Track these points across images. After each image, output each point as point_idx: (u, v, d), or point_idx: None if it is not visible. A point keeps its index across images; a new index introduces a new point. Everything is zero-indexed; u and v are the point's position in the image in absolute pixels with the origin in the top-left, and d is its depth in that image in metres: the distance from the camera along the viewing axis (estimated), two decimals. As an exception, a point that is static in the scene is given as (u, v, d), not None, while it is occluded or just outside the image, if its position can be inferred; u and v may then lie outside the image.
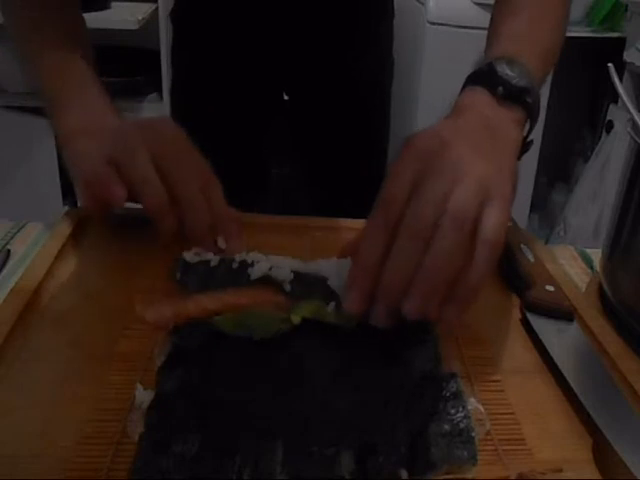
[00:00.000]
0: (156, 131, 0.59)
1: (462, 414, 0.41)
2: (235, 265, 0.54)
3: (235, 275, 0.53)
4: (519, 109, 0.50)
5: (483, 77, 0.50)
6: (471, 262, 0.42)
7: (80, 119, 0.60)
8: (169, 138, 0.58)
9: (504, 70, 0.50)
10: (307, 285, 0.52)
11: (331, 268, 0.53)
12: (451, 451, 0.38)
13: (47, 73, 0.63)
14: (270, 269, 0.53)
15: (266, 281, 0.52)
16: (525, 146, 0.52)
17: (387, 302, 0.43)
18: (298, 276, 0.52)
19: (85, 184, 0.57)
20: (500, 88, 0.49)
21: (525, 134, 0.52)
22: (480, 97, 0.49)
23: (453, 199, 0.42)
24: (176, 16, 0.91)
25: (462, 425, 0.40)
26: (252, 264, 0.53)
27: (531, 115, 0.51)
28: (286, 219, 0.67)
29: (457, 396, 0.42)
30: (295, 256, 0.55)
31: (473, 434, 0.40)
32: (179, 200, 0.55)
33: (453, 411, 0.41)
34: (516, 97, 0.50)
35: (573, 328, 0.52)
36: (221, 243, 0.57)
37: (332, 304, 0.48)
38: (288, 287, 0.51)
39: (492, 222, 0.42)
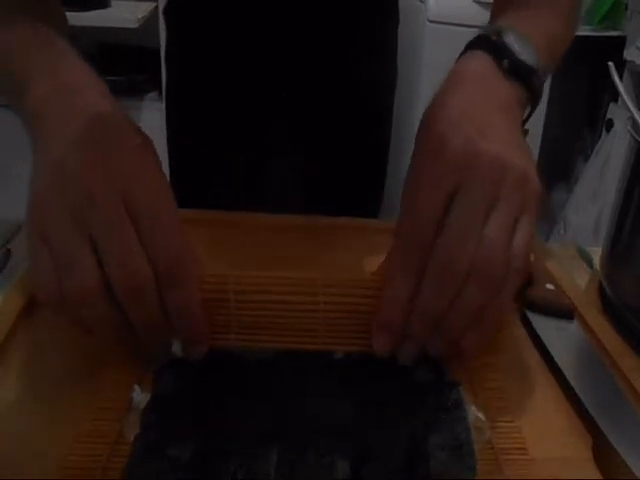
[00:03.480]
0: (136, 190, 0.40)
1: (462, 425, 0.40)
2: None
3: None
4: (522, 89, 0.46)
5: (489, 44, 0.46)
6: (495, 299, 0.41)
7: (52, 88, 0.46)
8: (147, 198, 0.41)
9: (512, 42, 0.46)
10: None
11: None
12: (450, 464, 0.38)
13: (14, 45, 0.50)
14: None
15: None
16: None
17: (418, 344, 0.43)
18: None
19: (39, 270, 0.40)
20: (506, 61, 0.45)
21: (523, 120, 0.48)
22: (485, 65, 0.45)
23: (485, 241, 0.39)
24: (170, 12, 0.90)
25: (462, 437, 0.39)
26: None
27: (532, 100, 0.47)
28: (283, 218, 0.67)
29: (458, 406, 0.42)
30: (291, 257, 0.55)
31: (473, 446, 0.39)
32: (117, 295, 0.39)
33: (453, 422, 0.40)
34: (522, 75, 0.45)
35: (573, 326, 0.52)
36: (176, 349, 0.43)
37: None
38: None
39: (522, 251, 0.40)
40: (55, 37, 0.49)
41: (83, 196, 0.39)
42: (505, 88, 0.45)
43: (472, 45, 0.47)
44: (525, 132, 0.49)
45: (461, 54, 0.48)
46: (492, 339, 0.44)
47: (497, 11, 0.56)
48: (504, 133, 0.42)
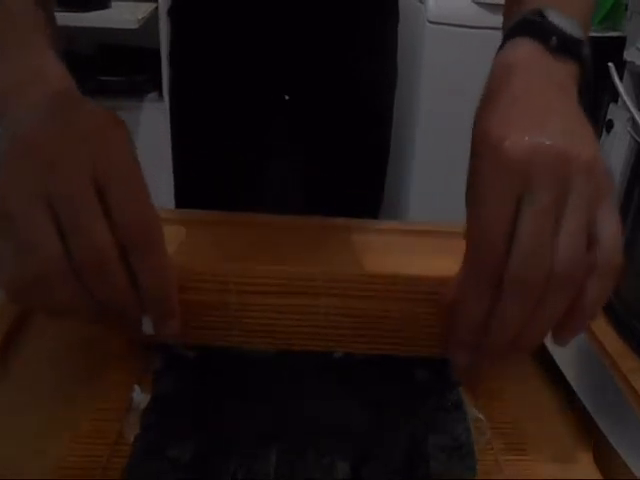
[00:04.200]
0: (102, 154, 0.38)
1: (462, 426, 0.40)
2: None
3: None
4: (573, 63, 0.43)
5: (532, 27, 0.43)
6: (587, 288, 0.38)
7: (16, 71, 0.43)
8: (115, 167, 0.38)
9: (556, 19, 0.43)
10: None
11: None
12: (450, 465, 0.38)
13: None
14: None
15: None
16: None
17: (495, 356, 0.41)
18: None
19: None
20: (554, 38, 0.43)
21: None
22: (531, 50, 0.43)
23: (562, 246, 0.37)
24: (174, 13, 0.91)
25: (462, 438, 0.39)
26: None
27: (585, 71, 0.44)
28: (284, 218, 0.67)
29: (458, 407, 0.42)
30: (291, 257, 0.55)
31: (473, 447, 0.39)
32: (82, 273, 0.37)
33: (453, 423, 0.40)
34: (572, 49, 0.43)
35: (573, 328, 0.52)
36: (147, 327, 0.40)
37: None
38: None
39: (611, 236, 0.39)
40: (20, 20, 0.46)
41: (45, 166, 0.37)
42: (557, 69, 0.43)
43: (513, 33, 0.44)
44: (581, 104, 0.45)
45: (501, 46, 0.45)
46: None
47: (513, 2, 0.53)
48: (563, 119, 0.40)
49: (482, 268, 0.38)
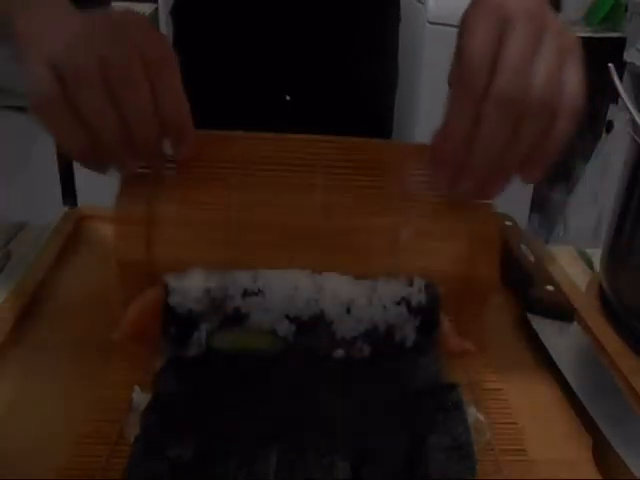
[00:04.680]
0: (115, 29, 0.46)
1: (462, 427, 0.40)
2: (228, 312, 0.46)
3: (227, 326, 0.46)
4: None
5: None
6: (551, 130, 0.44)
7: (39, 19, 0.49)
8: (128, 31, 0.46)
9: None
10: (310, 336, 0.46)
11: (335, 307, 0.46)
12: (450, 466, 0.38)
13: None
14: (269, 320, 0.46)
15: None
16: None
17: (477, 178, 0.45)
18: (300, 326, 0.46)
19: (36, 109, 0.47)
20: None
21: None
22: None
23: (538, 73, 0.43)
24: (177, 13, 0.91)
25: (462, 439, 0.39)
26: (247, 315, 0.45)
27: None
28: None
29: (457, 407, 0.41)
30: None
31: (473, 448, 0.39)
32: (123, 111, 0.44)
33: (453, 424, 0.40)
34: None
35: (573, 328, 0.52)
36: (167, 149, 0.49)
37: (339, 351, 0.46)
38: (291, 338, 0.46)
39: (574, 88, 0.45)
40: None
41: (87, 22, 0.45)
42: None
43: None
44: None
45: None
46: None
47: None
48: (541, 4, 0.46)
49: (469, 86, 0.43)
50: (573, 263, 0.66)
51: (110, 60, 0.43)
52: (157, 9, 1.73)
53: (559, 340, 0.50)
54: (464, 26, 0.45)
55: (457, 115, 0.44)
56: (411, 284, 0.47)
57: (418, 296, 0.47)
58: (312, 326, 0.46)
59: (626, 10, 1.90)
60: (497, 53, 0.43)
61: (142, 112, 0.45)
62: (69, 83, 0.43)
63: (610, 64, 0.58)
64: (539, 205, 2.25)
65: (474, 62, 0.43)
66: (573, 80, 0.45)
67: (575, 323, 0.53)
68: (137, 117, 0.45)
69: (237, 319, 0.46)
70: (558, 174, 2.29)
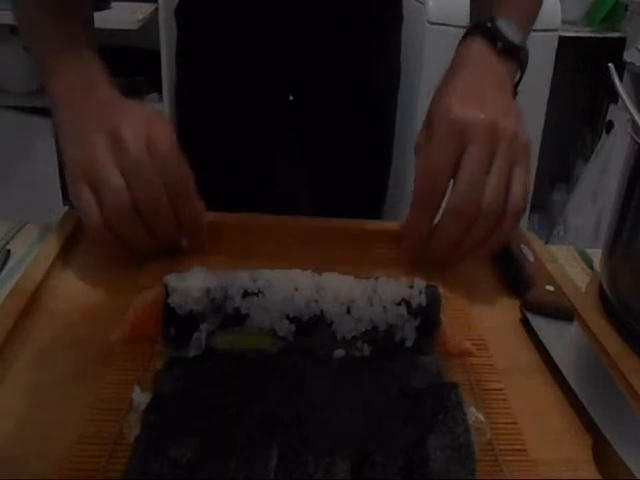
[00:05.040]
0: (137, 128, 0.55)
1: (462, 427, 0.40)
2: (228, 312, 0.46)
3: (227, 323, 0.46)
4: (513, 63, 0.59)
5: (485, 31, 0.58)
6: (500, 226, 0.53)
7: (68, 83, 0.58)
8: (160, 137, 0.55)
9: (504, 27, 0.58)
10: (310, 336, 0.46)
11: (335, 308, 0.46)
12: (449, 466, 0.37)
13: (45, 41, 0.62)
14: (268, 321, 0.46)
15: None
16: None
17: (434, 260, 0.56)
18: (300, 326, 0.46)
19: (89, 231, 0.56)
20: (500, 43, 0.57)
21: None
22: (482, 48, 0.57)
23: (490, 185, 0.52)
24: (181, 12, 0.91)
25: (462, 439, 0.39)
26: (247, 315, 0.46)
27: (521, 70, 0.60)
28: (288, 219, 0.67)
29: (457, 407, 0.41)
30: (296, 260, 0.54)
31: (473, 448, 0.39)
32: (142, 210, 0.53)
33: (453, 424, 0.40)
34: (513, 53, 0.58)
35: (573, 328, 0.52)
36: (184, 244, 0.58)
37: (340, 351, 0.46)
38: (291, 338, 0.46)
39: (520, 191, 0.53)
40: (78, 39, 0.61)
41: (113, 139, 0.53)
42: (499, 66, 0.58)
43: (470, 32, 0.59)
44: (515, 94, 0.62)
45: (461, 40, 0.60)
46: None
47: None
48: (498, 103, 0.55)
49: (429, 193, 0.53)
50: (573, 263, 0.66)
51: (139, 183, 0.52)
52: (157, 9, 1.73)
53: (559, 340, 0.50)
54: (428, 137, 0.54)
55: (418, 216, 0.54)
56: (411, 285, 0.47)
57: (418, 298, 0.47)
58: (312, 326, 0.46)
59: (626, 10, 1.90)
60: (458, 161, 0.52)
61: (166, 225, 0.55)
62: (107, 209, 0.53)
63: (610, 64, 0.58)
64: (539, 205, 2.25)
65: (435, 174, 0.53)
66: (519, 186, 0.53)
67: (575, 323, 0.53)
68: (163, 229, 0.55)
69: (237, 319, 0.46)
70: (558, 174, 2.29)
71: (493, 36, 0.57)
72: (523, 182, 0.53)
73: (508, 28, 0.58)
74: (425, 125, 0.56)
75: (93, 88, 0.58)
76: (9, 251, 0.62)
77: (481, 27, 0.58)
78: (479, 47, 0.57)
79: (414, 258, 0.56)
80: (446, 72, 0.58)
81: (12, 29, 1.59)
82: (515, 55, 0.58)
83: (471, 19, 0.69)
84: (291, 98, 0.89)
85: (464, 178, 0.51)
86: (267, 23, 0.83)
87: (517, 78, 0.61)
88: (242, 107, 0.88)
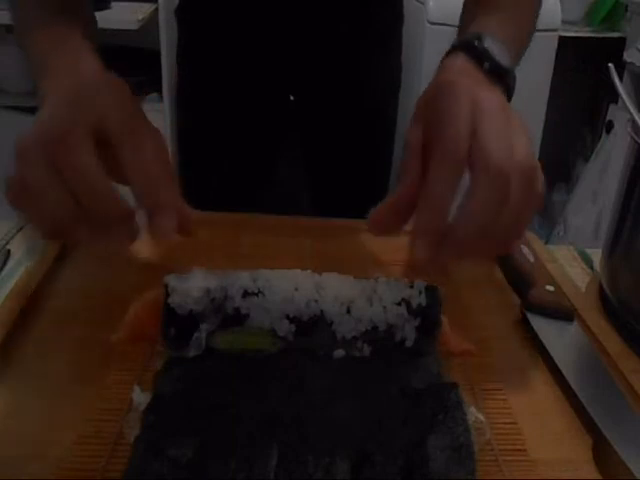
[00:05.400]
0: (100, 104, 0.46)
1: (462, 427, 0.40)
2: (228, 312, 0.46)
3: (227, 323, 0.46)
4: (499, 87, 0.51)
5: (472, 48, 0.52)
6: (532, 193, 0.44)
7: (61, 83, 0.51)
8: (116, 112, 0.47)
9: (492, 47, 0.52)
10: (310, 336, 0.46)
11: (335, 307, 0.46)
12: (449, 466, 0.37)
13: (43, 41, 0.56)
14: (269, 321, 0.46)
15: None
16: None
17: (457, 252, 0.44)
18: (300, 326, 0.46)
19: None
20: (487, 63, 0.51)
21: None
22: (468, 66, 0.51)
23: (519, 151, 0.43)
24: (181, 12, 0.91)
25: (462, 439, 0.39)
26: (247, 315, 0.46)
27: (507, 95, 0.53)
28: (288, 219, 0.67)
29: (457, 407, 0.41)
30: (293, 261, 0.54)
31: (473, 448, 0.39)
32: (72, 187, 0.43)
33: (453, 424, 0.40)
34: (499, 76, 0.51)
35: (573, 328, 0.52)
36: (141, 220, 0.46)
37: (340, 351, 0.46)
38: (291, 337, 0.46)
39: (539, 172, 0.45)
40: (74, 39, 0.55)
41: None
42: (487, 83, 0.50)
43: (455, 49, 0.52)
44: None
45: (444, 57, 0.53)
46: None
47: (469, 15, 0.62)
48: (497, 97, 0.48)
49: (448, 162, 0.43)
50: (573, 263, 0.66)
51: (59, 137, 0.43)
52: (157, 9, 1.73)
53: (559, 340, 0.50)
54: (442, 90, 0.46)
55: (439, 187, 0.43)
56: (411, 285, 0.47)
57: (418, 298, 0.47)
58: (312, 326, 0.46)
59: (626, 10, 1.90)
60: (476, 125, 0.43)
61: (89, 185, 0.43)
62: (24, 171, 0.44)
63: (610, 64, 0.58)
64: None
65: (459, 127, 0.43)
66: (542, 178, 0.45)
67: (575, 323, 0.53)
68: (86, 192, 0.43)
69: (237, 319, 0.46)
70: (558, 174, 2.29)
71: (480, 55, 0.51)
72: (539, 172, 0.46)
73: (496, 48, 0.52)
74: (414, 121, 0.50)
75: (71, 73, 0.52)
76: (9, 251, 0.62)
77: (467, 44, 0.52)
78: (464, 64, 0.51)
79: (431, 251, 0.44)
80: (431, 83, 0.51)
81: (10, 29, 1.59)
82: (502, 78, 0.52)
83: (459, 33, 0.65)
84: (292, 98, 0.89)
85: (489, 131, 0.43)
86: (267, 23, 0.83)
87: None
88: (243, 107, 0.88)
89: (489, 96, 0.45)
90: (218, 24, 0.86)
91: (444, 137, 0.43)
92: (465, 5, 0.67)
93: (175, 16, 0.92)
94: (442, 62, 0.53)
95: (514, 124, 0.45)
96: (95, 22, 0.66)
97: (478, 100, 0.44)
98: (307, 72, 0.86)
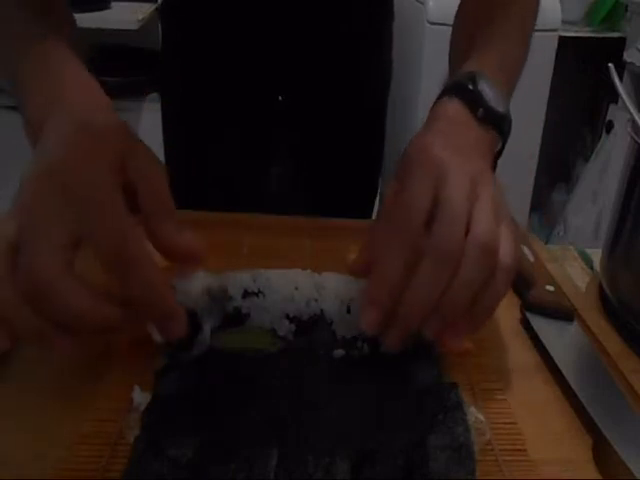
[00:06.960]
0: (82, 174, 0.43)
1: (462, 427, 0.40)
2: (229, 312, 0.46)
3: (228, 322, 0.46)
4: (494, 133, 0.49)
5: (465, 93, 0.49)
6: (490, 283, 0.42)
7: (48, 100, 0.49)
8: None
9: (486, 90, 0.49)
10: (310, 335, 0.46)
11: (335, 307, 0.46)
12: (450, 466, 0.37)
13: (19, 54, 0.52)
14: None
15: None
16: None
17: (408, 326, 0.42)
18: (300, 325, 0.46)
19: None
20: (481, 110, 0.49)
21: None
22: (460, 112, 0.49)
23: (476, 222, 0.41)
24: (166, 12, 0.91)
25: (462, 439, 0.39)
26: (247, 315, 0.46)
27: (502, 139, 0.51)
28: (283, 219, 0.67)
29: (458, 407, 0.41)
30: (292, 261, 0.54)
31: (473, 448, 0.39)
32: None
33: (453, 424, 0.40)
34: (494, 121, 0.49)
35: (573, 328, 0.52)
36: (155, 335, 0.42)
37: (339, 351, 0.46)
38: (291, 337, 0.46)
39: (510, 246, 0.42)
40: (54, 45, 0.51)
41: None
42: (478, 135, 0.48)
43: (448, 91, 0.50)
44: (494, 167, 0.52)
45: (438, 97, 0.51)
46: (484, 325, 0.44)
47: (458, 50, 0.61)
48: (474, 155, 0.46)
49: (400, 233, 0.42)
50: (573, 263, 0.66)
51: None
52: (157, 9, 1.73)
53: (559, 340, 0.50)
54: (411, 158, 0.45)
55: (390, 257, 0.42)
56: None
57: None
58: (312, 325, 0.46)
59: (626, 10, 1.90)
60: (437, 199, 0.42)
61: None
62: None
63: (610, 64, 0.58)
64: (539, 205, 2.26)
65: (412, 210, 0.42)
66: (506, 243, 0.43)
67: (575, 323, 0.53)
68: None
69: (237, 319, 0.46)
70: (558, 174, 2.30)
71: (474, 101, 0.49)
72: (510, 239, 0.43)
73: (491, 92, 0.49)
74: (395, 176, 0.47)
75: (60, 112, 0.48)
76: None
77: (461, 88, 0.50)
78: (457, 109, 0.49)
79: (379, 323, 0.42)
80: (419, 130, 0.49)
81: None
82: (497, 124, 0.49)
83: (450, 64, 0.64)
84: (280, 98, 0.88)
85: (448, 208, 0.42)
86: (254, 23, 0.83)
87: (498, 148, 0.52)
88: (231, 108, 0.88)
89: (459, 169, 0.43)
90: (203, 25, 0.85)
91: (399, 211, 0.43)
92: (454, 35, 0.65)
93: (158, 15, 0.91)
94: (434, 106, 0.51)
95: (482, 197, 0.43)
96: (74, 20, 0.61)
97: (444, 173, 0.43)
98: (295, 72, 0.86)
